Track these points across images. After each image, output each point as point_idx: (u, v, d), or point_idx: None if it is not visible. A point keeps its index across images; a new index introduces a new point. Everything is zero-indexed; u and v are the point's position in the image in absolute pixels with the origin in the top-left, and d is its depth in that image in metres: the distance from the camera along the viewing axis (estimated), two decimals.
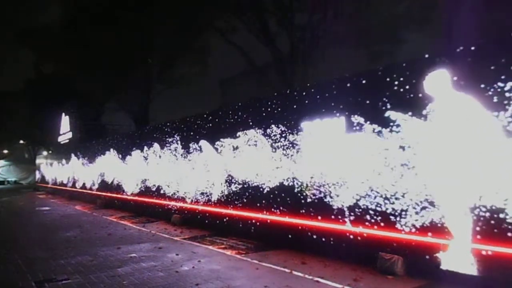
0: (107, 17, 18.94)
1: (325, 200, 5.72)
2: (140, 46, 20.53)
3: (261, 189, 6.94)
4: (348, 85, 5.55)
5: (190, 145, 9.15)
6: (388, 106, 4.93)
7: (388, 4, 16.00)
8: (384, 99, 4.97)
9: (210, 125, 8.53)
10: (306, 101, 6.17)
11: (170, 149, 10.04)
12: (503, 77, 3.94)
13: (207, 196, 8.51)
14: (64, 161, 20.66)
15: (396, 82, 4.87)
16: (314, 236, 5.89)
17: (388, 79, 4.97)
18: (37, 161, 30.53)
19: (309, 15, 16.48)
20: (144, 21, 18.99)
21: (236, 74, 29.30)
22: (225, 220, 7.95)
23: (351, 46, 16.89)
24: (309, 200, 5.99)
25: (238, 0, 17.20)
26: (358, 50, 17.18)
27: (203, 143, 8.62)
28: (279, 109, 6.69)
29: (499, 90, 3.97)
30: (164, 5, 17.99)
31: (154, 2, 18.29)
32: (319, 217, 5.81)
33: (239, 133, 7.56)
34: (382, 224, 4.97)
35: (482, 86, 4.08)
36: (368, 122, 5.17)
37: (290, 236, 6.33)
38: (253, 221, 7.13)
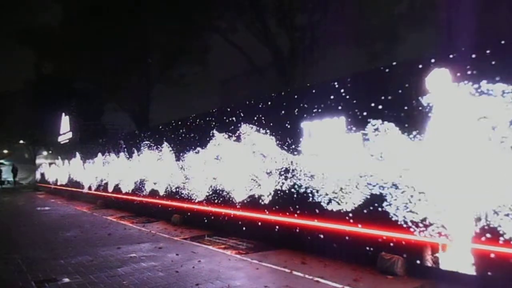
0: (107, 16, 18.94)
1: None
2: (140, 46, 20.54)
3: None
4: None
5: (191, 145, 9.17)
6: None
7: (387, 4, 16.03)
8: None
9: (215, 123, 8.51)
10: None
11: (172, 149, 10.06)
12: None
13: (208, 196, 8.52)
14: (64, 161, 20.66)
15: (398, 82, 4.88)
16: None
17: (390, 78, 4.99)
18: (37, 161, 30.53)
19: (309, 15, 16.50)
20: (144, 21, 19.00)
21: (236, 74, 29.33)
22: (225, 220, 7.96)
23: (350, 46, 16.91)
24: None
25: (238, 0, 17.22)
26: (357, 50, 17.21)
27: (215, 136, 8.56)
28: (273, 109, 6.71)
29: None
30: (164, 5, 18.00)
31: (155, 1, 18.30)
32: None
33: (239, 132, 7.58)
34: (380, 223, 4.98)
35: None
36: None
37: (290, 236, 6.35)
38: (254, 221, 7.14)
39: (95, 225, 9.63)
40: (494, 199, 3.97)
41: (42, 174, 26.92)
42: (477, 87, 4.13)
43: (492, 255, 3.97)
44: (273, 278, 4.69)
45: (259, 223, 7.00)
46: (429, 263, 4.50)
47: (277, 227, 6.63)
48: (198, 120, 9.04)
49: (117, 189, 13.36)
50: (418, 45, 16.14)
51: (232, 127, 7.76)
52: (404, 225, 4.72)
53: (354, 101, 5.40)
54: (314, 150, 5.96)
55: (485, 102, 4.05)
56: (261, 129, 7.01)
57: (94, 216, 11.59)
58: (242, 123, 7.51)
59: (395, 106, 4.86)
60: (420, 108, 4.59)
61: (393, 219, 4.83)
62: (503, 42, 4.05)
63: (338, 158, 5.57)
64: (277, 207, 6.62)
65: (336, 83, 5.68)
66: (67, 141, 28.93)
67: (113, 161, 13.77)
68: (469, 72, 4.20)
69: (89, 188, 16.28)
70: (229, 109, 8.05)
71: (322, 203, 5.77)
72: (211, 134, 8.42)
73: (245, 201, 7.37)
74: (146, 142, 11.39)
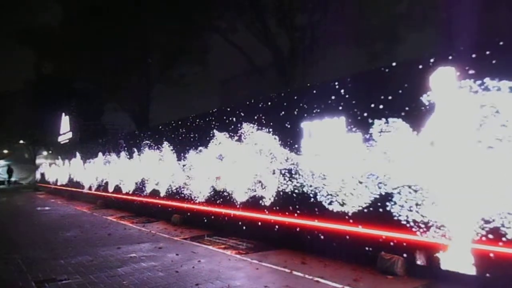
0: (107, 16, 18.94)
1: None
2: (140, 46, 20.54)
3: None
4: None
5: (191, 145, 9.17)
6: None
7: (387, 4, 16.03)
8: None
9: (216, 123, 8.50)
10: None
11: (173, 150, 10.06)
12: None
13: (209, 195, 8.52)
14: (64, 161, 20.66)
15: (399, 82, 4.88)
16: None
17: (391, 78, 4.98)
18: (37, 161, 30.53)
19: (309, 15, 16.50)
20: (144, 21, 18.99)
21: (236, 74, 29.34)
22: (225, 220, 7.96)
23: (350, 46, 16.92)
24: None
25: (238, 0, 17.22)
26: (357, 50, 17.22)
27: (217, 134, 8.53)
28: (273, 109, 6.71)
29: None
30: (164, 5, 18.00)
31: (155, 1, 18.30)
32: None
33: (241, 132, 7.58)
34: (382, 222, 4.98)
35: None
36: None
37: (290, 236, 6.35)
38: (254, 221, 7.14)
39: (95, 225, 9.63)
40: (497, 199, 3.96)
41: (42, 174, 26.92)
42: (480, 83, 4.12)
43: (492, 255, 3.97)
44: (273, 278, 4.69)
45: (259, 223, 7.00)
46: (429, 263, 4.50)
47: (277, 227, 6.63)
48: (198, 120, 9.05)
49: (117, 189, 13.36)
50: (418, 45, 16.15)
51: (232, 127, 7.76)
52: (407, 225, 4.72)
53: (354, 101, 5.41)
54: (314, 150, 5.96)
55: (493, 100, 4.03)
56: (262, 129, 7.01)
57: (94, 216, 11.59)
58: (242, 123, 7.52)
59: (396, 106, 4.86)
60: (421, 107, 4.59)
61: (395, 218, 4.83)
62: (501, 43, 4.05)
63: (339, 158, 5.57)
64: (277, 207, 6.62)
65: (336, 83, 5.68)
66: (67, 141, 28.91)
67: (113, 161, 13.77)
68: (470, 72, 4.20)
69: (89, 188, 16.28)
70: (229, 109, 8.06)
71: (323, 203, 5.77)
72: (211, 134, 8.42)
73: (246, 201, 7.37)
74: (147, 142, 11.39)
